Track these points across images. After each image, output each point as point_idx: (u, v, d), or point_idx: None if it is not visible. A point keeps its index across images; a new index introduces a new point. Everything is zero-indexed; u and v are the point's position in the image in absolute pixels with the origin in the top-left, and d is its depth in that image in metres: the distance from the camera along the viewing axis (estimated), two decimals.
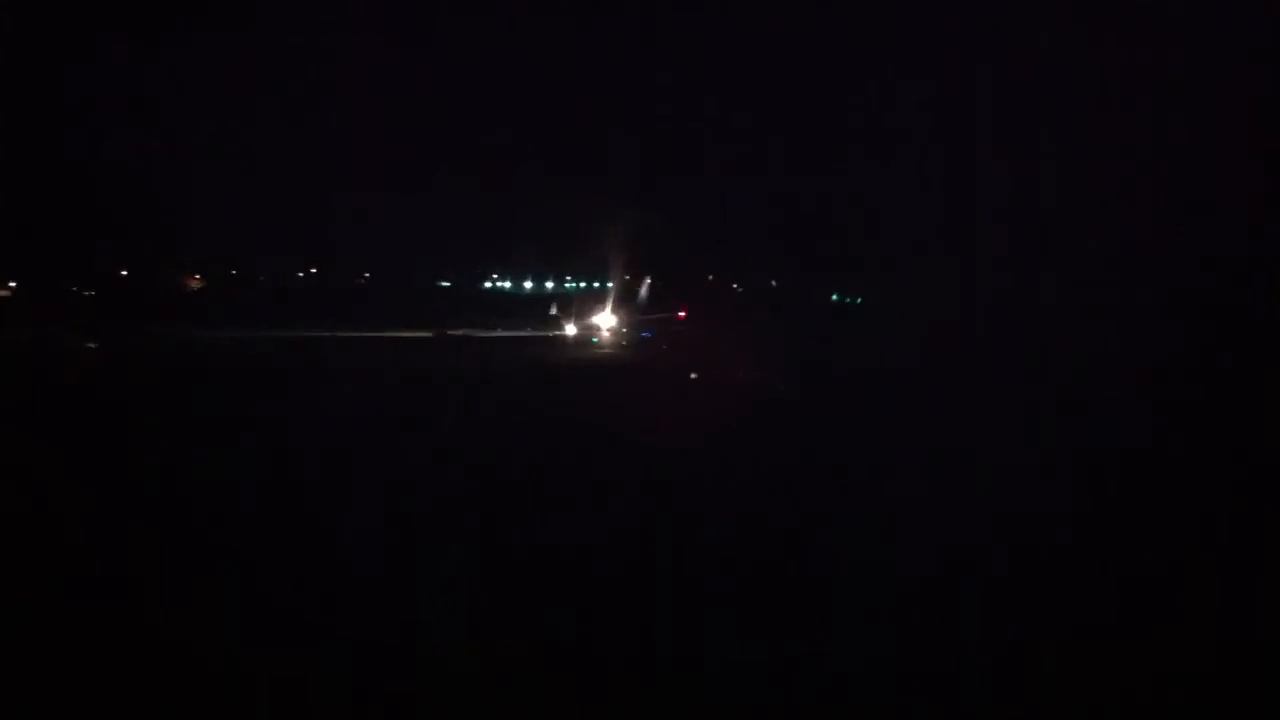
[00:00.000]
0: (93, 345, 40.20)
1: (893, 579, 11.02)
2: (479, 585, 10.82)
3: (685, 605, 10.24)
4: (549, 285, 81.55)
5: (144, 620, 9.60)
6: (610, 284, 65.01)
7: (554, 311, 59.47)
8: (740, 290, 77.44)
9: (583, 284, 76.67)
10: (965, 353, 39.67)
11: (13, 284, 61.41)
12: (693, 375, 31.83)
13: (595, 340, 51.50)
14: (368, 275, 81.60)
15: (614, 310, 56.98)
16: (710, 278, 78.63)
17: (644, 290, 64.29)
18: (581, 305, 58.16)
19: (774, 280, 78.01)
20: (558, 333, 54.05)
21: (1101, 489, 15.30)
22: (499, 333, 53.29)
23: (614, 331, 54.09)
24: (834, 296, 74.39)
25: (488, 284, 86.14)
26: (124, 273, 71.82)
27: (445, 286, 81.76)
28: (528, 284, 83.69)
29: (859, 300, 72.41)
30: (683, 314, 59.29)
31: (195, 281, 74.34)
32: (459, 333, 51.15)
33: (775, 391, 30.05)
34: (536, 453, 18.51)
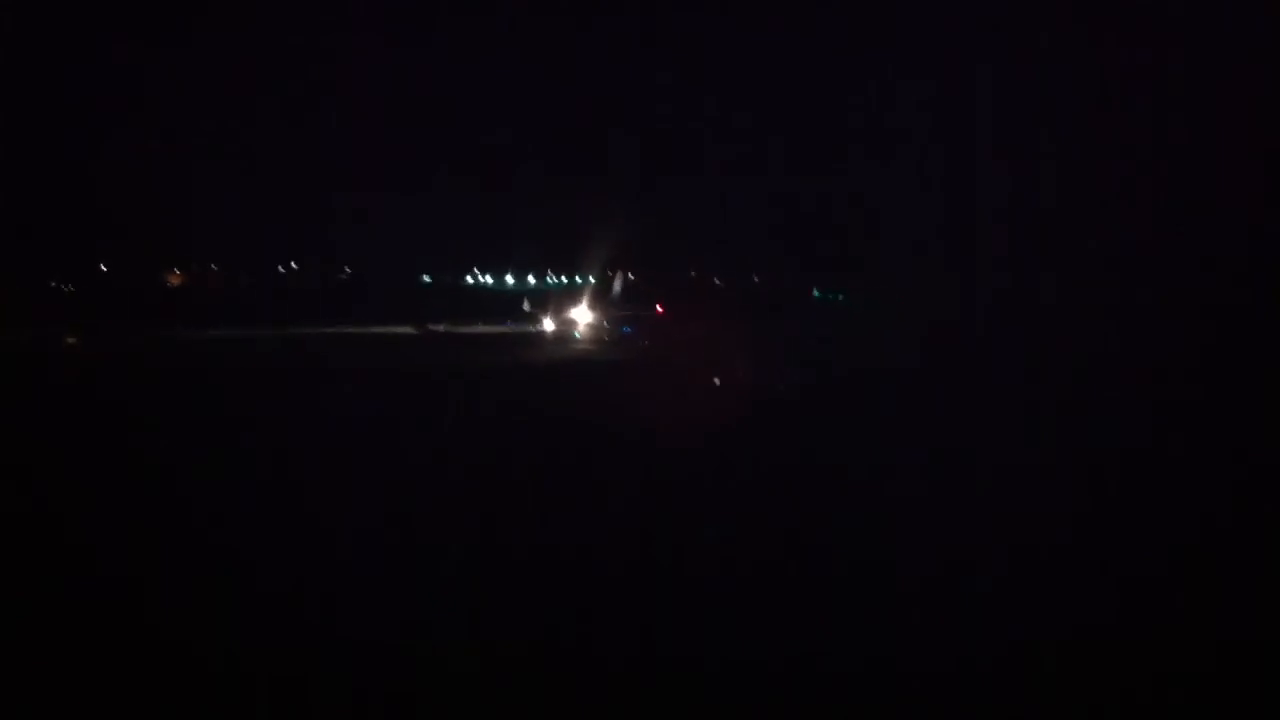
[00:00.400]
0: (72, 340, 40.19)
1: (892, 579, 11.02)
2: (479, 585, 10.84)
3: (685, 605, 10.24)
4: (531, 280, 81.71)
5: (144, 620, 9.61)
6: (592, 279, 65.04)
7: (527, 307, 59.48)
8: (722, 286, 77.04)
9: (563, 279, 76.74)
10: (965, 353, 39.64)
11: (11, 283, 61.28)
12: (716, 380, 31.69)
13: (577, 335, 51.44)
14: (348, 271, 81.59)
15: (591, 306, 56.92)
16: (693, 274, 78.35)
17: (617, 285, 64.03)
18: (560, 300, 58.14)
19: (756, 277, 77.69)
20: (536, 329, 54.01)
21: (1101, 489, 15.29)
22: (480, 328, 53.38)
23: (592, 327, 54.03)
24: (815, 293, 73.86)
25: (469, 279, 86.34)
26: (109, 270, 71.66)
27: (427, 282, 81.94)
28: (509, 279, 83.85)
29: (841, 297, 71.80)
30: (660, 309, 59.12)
31: (176, 278, 74.32)
32: (440, 328, 51.31)
33: (775, 391, 30.04)
34: (536, 452, 18.52)
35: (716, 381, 31.00)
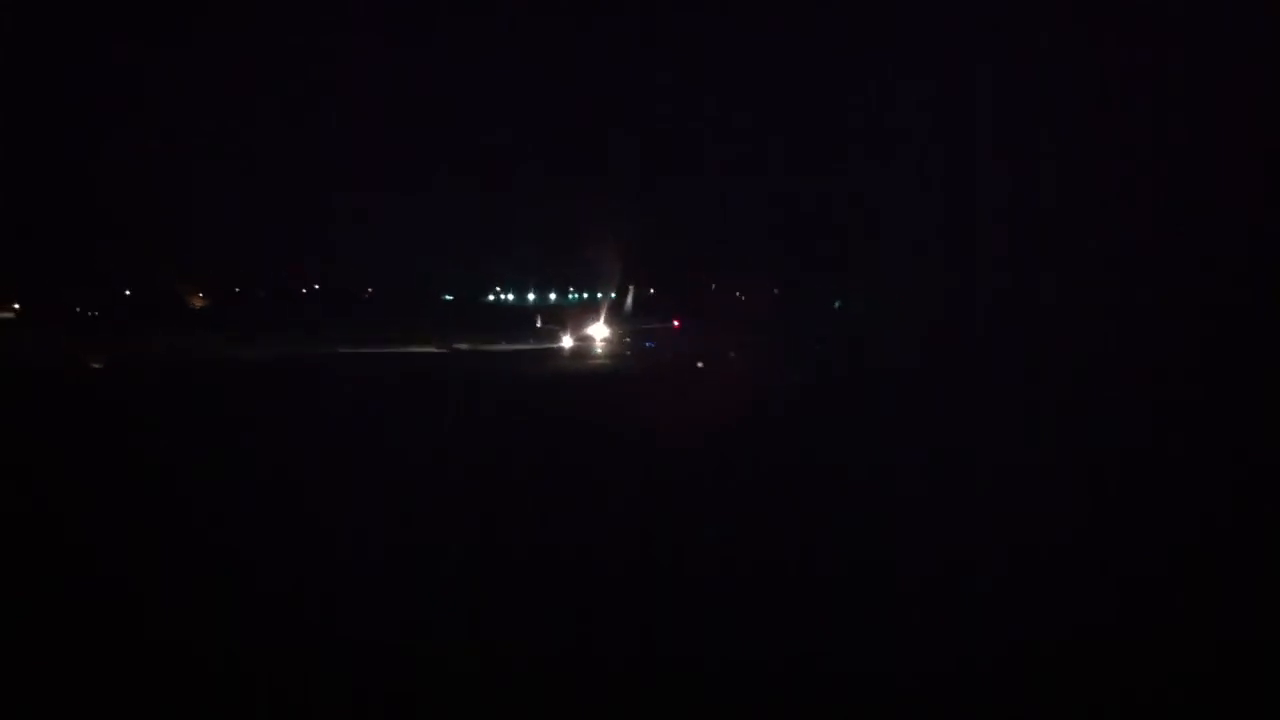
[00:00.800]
0: (99, 365, 39.80)
1: (893, 579, 11.02)
2: (479, 585, 10.84)
3: (685, 605, 10.25)
4: (552, 297, 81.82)
5: (144, 620, 9.61)
6: (613, 294, 65.09)
7: (539, 324, 59.56)
8: (743, 299, 76.61)
9: (583, 295, 76.76)
10: (965, 353, 39.66)
11: (11, 289, 61.09)
12: (700, 364, 31.80)
13: (597, 350, 51.65)
14: (371, 290, 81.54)
15: (609, 321, 57.08)
16: (713, 286, 77.95)
17: (630, 300, 64.08)
18: (577, 316, 58.25)
19: (776, 288, 77.33)
20: (555, 345, 54.12)
21: (1101, 489, 15.29)
22: (502, 346, 53.45)
23: (610, 342, 54.20)
24: (837, 303, 73.63)
25: (490, 297, 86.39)
26: (125, 284, 71.44)
27: (449, 300, 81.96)
28: (531, 296, 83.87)
29: (847, 303, 71.72)
30: (677, 324, 59.24)
31: (199, 300, 73.98)
32: (465, 347, 51.47)
33: (775, 393, 30.06)
34: (537, 452, 18.57)
35: (699, 365, 31.12)
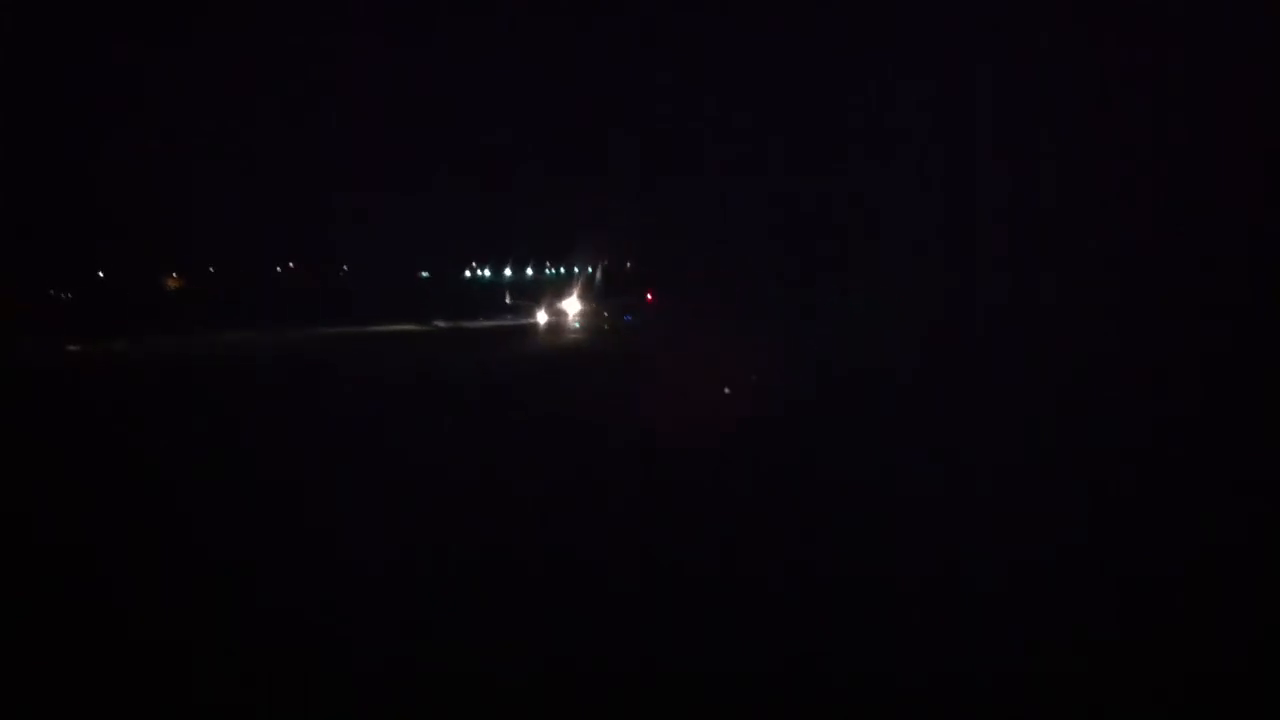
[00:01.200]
0: (75, 347, 39.84)
1: (893, 580, 11.02)
2: (479, 588, 10.84)
3: (684, 606, 10.25)
4: (529, 272, 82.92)
5: (144, 621, 9.61)
6: (589, 269, 65.36)
7: (509, 300, 59.89)
8: (732, 278, 76.43)
9: (560, 270, 77.57)
10: (965, 352, 39.66)
11: (10, 290, 60.88)
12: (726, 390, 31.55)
13: (576, 326, 51.66)
14: (346, 268, 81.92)
15: (582, 296, 57.31)
16: (689, 265, 77.91)
17: (599, 274, 64.13)
18: (552, 291, 58.56)
19: (774, 284, 77.27)
20: (530, 320, 54.35)
21: (1102, 489, 15.29)
22: (481, 322, 53.71)
23: (587, 316, 54.23)
24: (831, 298, 73.41)
25: (467, 274, 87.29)
26: (106, 276, 71.35)
27: (426, 277, 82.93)
28: (508, 272, 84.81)
29: (847, 303, 71.54)
30: (650, 298, 59.34)
31: (174, 281, 74.43)
32: (444, 324, 51.59)
33: (773, 391, 30.01)
34: (532, 451, 18.58)
35: (727, 391, 30.87)
